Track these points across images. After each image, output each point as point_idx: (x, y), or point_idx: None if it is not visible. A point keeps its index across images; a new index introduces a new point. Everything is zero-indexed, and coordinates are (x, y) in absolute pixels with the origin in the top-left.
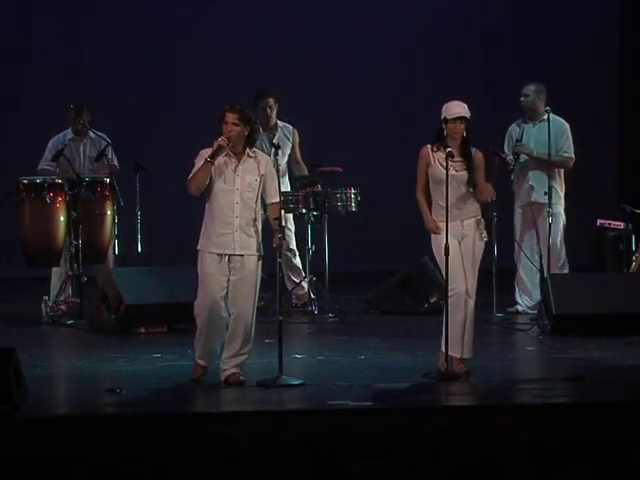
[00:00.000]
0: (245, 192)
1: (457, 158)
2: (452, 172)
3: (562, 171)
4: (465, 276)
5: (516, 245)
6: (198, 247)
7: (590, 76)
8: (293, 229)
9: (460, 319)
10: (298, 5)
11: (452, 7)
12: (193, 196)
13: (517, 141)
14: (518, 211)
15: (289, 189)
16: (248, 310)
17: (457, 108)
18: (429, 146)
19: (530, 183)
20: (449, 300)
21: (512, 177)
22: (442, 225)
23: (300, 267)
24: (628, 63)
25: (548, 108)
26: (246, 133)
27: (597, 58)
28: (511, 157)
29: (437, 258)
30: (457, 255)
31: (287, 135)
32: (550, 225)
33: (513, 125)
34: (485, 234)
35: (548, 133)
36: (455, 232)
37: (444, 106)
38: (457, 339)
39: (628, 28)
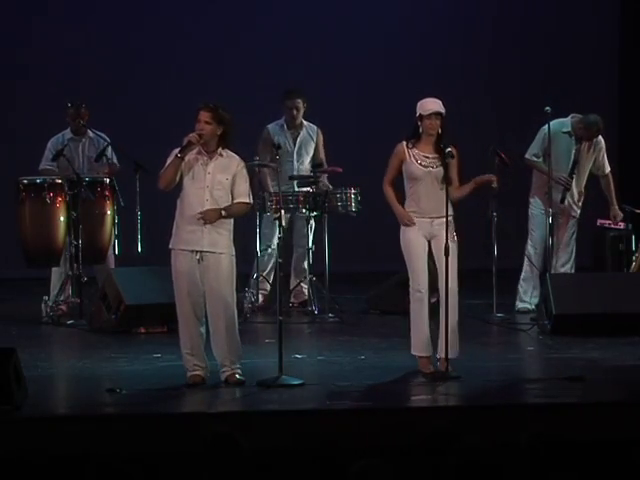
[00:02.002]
0: (215, 190)
1: (433, 155)
2: (429, 169)
3: None
4: (443, 275)
5: (530, 242)
6: (170, 246)
7: (590, 76)
8: (312, 228)
9: (423, 317)
10: (298, 5)
11: (452, 8)
12: (163, 192)
13: (574, 163)
14: (540, 210)
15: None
16: (229, 309)
17: (432, 104)
18: (404, 143)
19: (567, 194)
20: (412, 299)
21: (565, 195)
22: (416, 220)
23: (307, 269)
24: (629, 63)
25: (548, 108)
26: (219, 132)
27: (597, 58)
28: (566, 177)
29: (404, 253)
30: (423, 254)
31: (311, 135)
32: (572, 225)
33: (557, 132)
34: (455, 235)
35: (548, 134)
36: (424, 230)
37: (419, 103)
38: (425, 337)
39: (628, 28)
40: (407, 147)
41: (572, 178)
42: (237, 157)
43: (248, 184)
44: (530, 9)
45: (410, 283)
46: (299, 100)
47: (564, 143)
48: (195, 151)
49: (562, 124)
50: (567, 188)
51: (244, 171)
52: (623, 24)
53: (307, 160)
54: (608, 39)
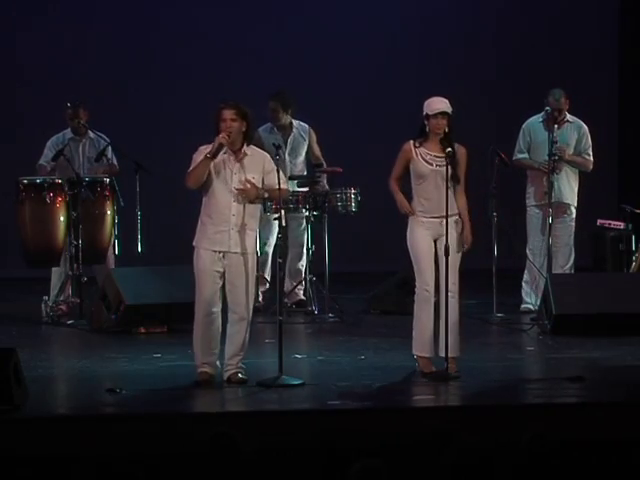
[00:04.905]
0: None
1: (440, 153)
2: (436, 167)
3: (578, 171)
4: (443, 274)
5: (528, 244)
6: (194, 243)
7: (590, 76)
8: (303, 227)
9: (427, 317)
10: (299, 5)
11: (453, 8)
12: (190, 190)
13: (554, 142)
14: (535, 210)
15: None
16: (249, 308)
17: (439, 104)
18: (412, 142)
19: (556, 182)
20: (417, 298)
21: (552, 178)
22: (422, 219)
23: (302, 270)
24: (629, 63)
25: (548, 108)
26: (244, 129)
27: (597, 58)
28: (545, 159)
29: (411, 252)
30: (430, 253)
31: (302, 134)
32: (569, 225)
33: (533, 122)
34: (463, 234)
35: (551, 134)
36: (432, 230)
37: (425, 102)
38: (429, 338)
39: (628, 28)
40: (414, 146)
41: (552, 160)
42: (262, 152)
43: (279, 171)
44: (530, 9)
45: (416, 283)
46: (271, 102)
47: (541, 133)
48: (223, 151)
49: (537, 117)
50: (551, 170)
51: (272, 164)
52: (623, 24)
53: (300, 160)
54: (608, 39)
